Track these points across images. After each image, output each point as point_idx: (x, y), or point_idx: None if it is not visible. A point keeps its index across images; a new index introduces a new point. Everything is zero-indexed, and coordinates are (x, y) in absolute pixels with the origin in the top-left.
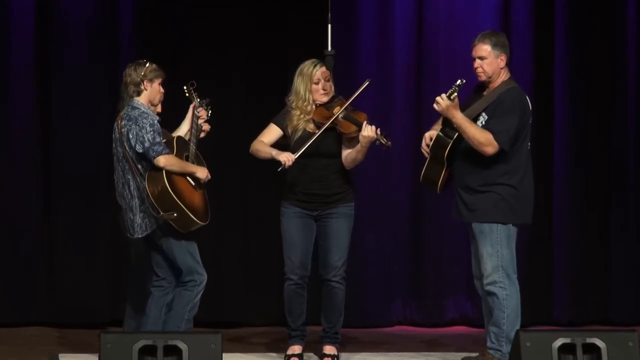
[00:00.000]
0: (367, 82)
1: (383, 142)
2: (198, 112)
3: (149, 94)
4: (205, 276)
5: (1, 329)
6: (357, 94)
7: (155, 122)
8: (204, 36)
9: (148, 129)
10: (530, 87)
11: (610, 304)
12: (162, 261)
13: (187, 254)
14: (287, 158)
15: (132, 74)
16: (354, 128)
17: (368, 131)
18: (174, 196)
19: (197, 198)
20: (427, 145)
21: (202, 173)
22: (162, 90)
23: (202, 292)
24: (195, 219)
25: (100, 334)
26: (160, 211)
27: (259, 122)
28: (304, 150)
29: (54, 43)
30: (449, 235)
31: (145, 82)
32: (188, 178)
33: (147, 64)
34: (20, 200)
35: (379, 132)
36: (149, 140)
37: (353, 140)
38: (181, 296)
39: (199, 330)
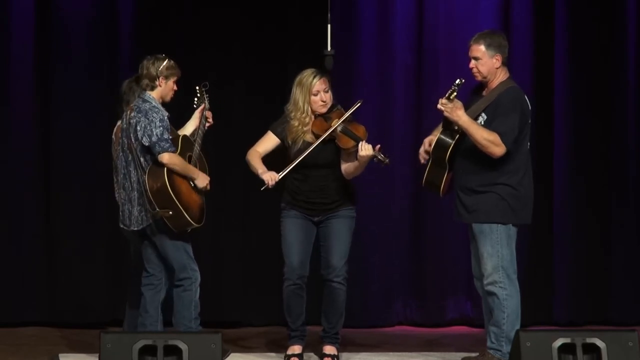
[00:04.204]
0: (359, 103)
1: (381, 158)
2: (206, 114)
3: (162, 91)
4: (198, 272)
5: (1, 329)
6: (349, 112)
7: (165, 117)
8: (203, 36)
9: (157, 123)
10: (530, 87)
11: (610, 304)
12: (153, 256)
13: (182, 250)
14: (270, 177)
15: (150, 67)
16: (352, 144)
17: (365, 150)
18: (172, 194)
19: (194, 199)
20: (426, 152)
21: (202, 182)
22: (175, 87)
23: (199, 288)
24: (189, 219)
25: (100, 334)
26: (156, 207)
27: (259, 122)
28: (291, 169)
29: (54, 43)
30: (449, 235)
31: (160, 79)
32: None
33: (166, 60)
34: (20, 200)
35: (376, 149)
36: (156, 135)
37: (351, 155)
38: (182, 298)
39: (199, 330)
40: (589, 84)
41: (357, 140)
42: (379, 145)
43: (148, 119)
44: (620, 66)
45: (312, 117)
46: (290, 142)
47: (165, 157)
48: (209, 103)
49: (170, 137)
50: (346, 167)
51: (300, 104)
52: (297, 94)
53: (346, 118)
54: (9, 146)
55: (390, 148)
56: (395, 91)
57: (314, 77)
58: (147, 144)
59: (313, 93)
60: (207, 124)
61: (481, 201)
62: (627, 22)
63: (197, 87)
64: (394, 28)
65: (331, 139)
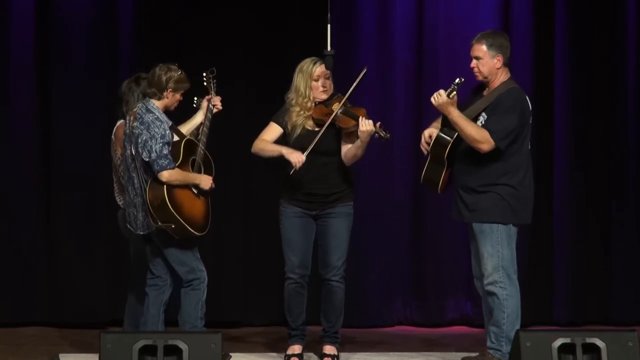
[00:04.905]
0: (365, 70)
1: (382, 134)
2: (213, 104)
3: (168, 102)
4: (205, 272)
5: (1, 329)
6: (356, 83)
7: (167, 132)
8: (204, 36)
9: (159, 139)
10: (530, 87)
11: (610, 304)
12: (159, 258)
13: (188, 253)
14: (297, 159)
15: (162, 77)
16: (352, 122)
17: (366, 125)
18: (173, 210)
19: (197, 208)
20: (427, 143)
21: (206, 183)
22: (181, 99)
23: (206, 289)
24: (192, 231)
25: (100, 334)
26: (158, 221)
27: (259, 122)
28: (312, 148)
29: (54, 43)
30: (450, 235)
31: (169, 91)
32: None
33: (178, 73)
34: (20, 200)
35: (377, 125)
36: (156, 151)
37: (352, 135)
38: (189, 297)
39: (202, 330)
40: (589, 84)
41: (358, 120)
42: (379, 122)
43: (150, 133)
44: (620, 66)
45: (313, 103)
46: (290, 128)
47: (165, 176)
48: (216, 89)
49: (176, 139)
50: (347, 150)
51: (302, 89)
52: (298, 80)
53: (346, 102)
54: (9, 146)
55: (391, 148)
56: (395, 91)
57: (315, 63)
58: (147, 160)
59: (314, 78)
60: (216, 110)
61: (481, 201)
62: (627, 22)
63: (205, 74)
64: (394, 28)
65: (331, 124)
